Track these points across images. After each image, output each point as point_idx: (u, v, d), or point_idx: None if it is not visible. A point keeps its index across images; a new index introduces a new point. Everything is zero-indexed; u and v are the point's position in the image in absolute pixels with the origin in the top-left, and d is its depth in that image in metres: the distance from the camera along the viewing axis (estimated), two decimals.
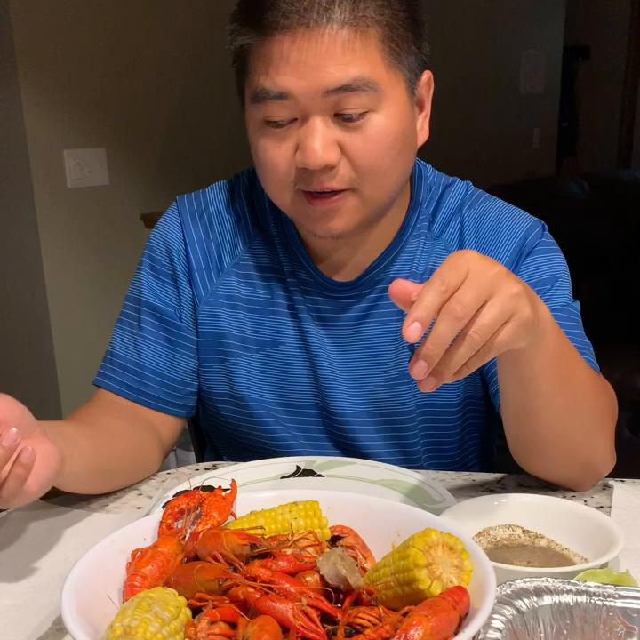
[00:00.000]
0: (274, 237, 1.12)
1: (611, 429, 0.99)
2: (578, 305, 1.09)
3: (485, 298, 0.72)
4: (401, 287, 0.72)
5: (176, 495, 0.91)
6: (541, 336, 0.82)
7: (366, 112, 0.93)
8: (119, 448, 1.03)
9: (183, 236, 1.13)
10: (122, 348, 1.13)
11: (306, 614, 0.61)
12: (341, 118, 0.93)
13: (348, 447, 1.13)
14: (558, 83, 5.15)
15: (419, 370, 0.71)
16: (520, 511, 0.88)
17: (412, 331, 0.69)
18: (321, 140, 0.92)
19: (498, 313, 0.73)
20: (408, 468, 1.06)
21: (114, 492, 1.05)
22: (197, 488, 0.85)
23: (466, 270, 0.72)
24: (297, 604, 0.61)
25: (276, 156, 0.96)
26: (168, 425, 1.14)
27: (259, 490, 0.94)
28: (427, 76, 1.01)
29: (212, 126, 3.26)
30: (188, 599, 0.65)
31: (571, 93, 5.53)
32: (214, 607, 0.63)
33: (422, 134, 1.03)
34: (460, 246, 1.09)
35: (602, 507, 0.95)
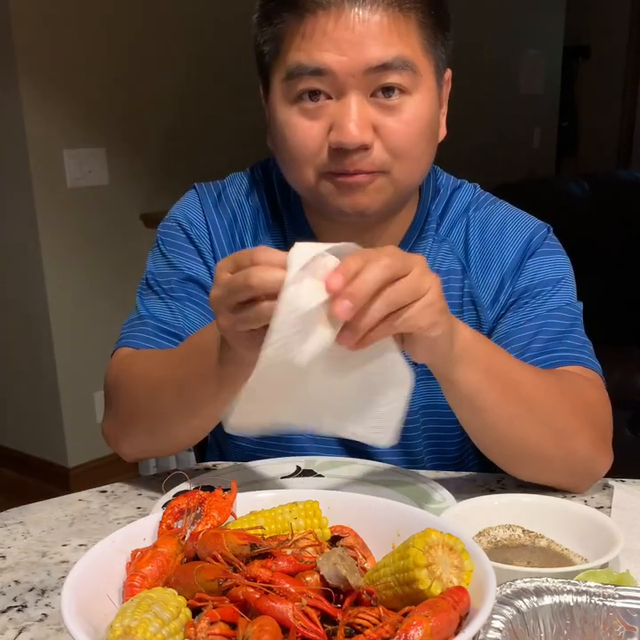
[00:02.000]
0: (286, 232, 1.12)
1: (592, 427, 0.98)
2: (580, 305, 1.09)
3: (402, 274, 0.74)
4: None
5: (176, 495, 0.91)
6: (462, 353, 0.86)
7: (403, 93, 0.94)
8: None
9: (206, 221, 1.12)
10: (156, 312, 1.08)
11: (306, 614, 0.61)
12: (379, 96, 0.94)
13: (351, 443, 1.12)
14: (558, 83, 5.16)
15: (341, 308, 0.70)
16: (520, 511, 0.88)
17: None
18: (357, 119, 0.93)
19: (410, 285, 0.74)
20: (410, 466, 1.06)
21: (113, 492, 1.05)
22: (197, 488, 0.85)
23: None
24: (297, 604, 0.61)
25: (307, 135, 0.96)
26: None
27: (259, 490, 0.94)
28: (448, 74, 1.03)
29: (212, 126, 3.26)
30: (187, 599, 0.65)
31: (571, 93, 5.53)
32: (214, 607, 0.63)
33: (442, 131, 1.04)
34: (465, 248, 1.10)
35: (602, 507, 0.95)
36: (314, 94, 0.94)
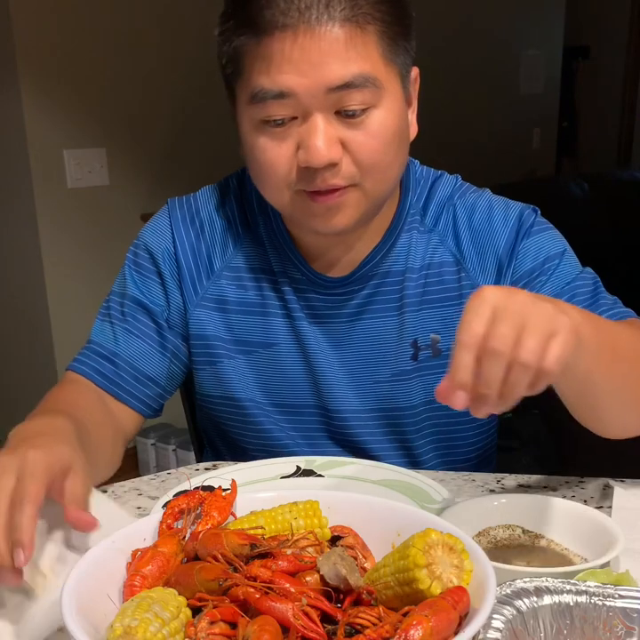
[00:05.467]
0: (263, 238, 1.12)
1: None
2: (590, 269, 1.09)
3: (520, 325, 0.70)
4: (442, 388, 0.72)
5: (176, 495, 0.91)
6: (579, 340, 0.79)
7: (367, 108, 0.94)
8: (97, 448, 1.01)
9: (174, 240, 1.12)
10: (101, 337, 1.13)
11: (306, 614, 0.61)
12: (343, 115, 0.93)
13: (348, 444, 1.13)
14: (558, 83, 5.15)
15: (469, 405, 0.71)
16: (520, 511, 0.88)
17: (457, 399, 0.70)
18: (324, 137, 0.92)
19: (539, 333, 0.70)
20: (410, 463, 1.06)
21: (113, 492, 1.05)
22: (197, 488, 0.85)
23: (490, 309, 0.70)
24: (297, 603, 0.61)
25: (276, 156, 0.96)
26: (132, 419, 1.14)
27: (259, 490, 0.94)
28: (415, 72, 1.02)
29: (212, 126, 3.26)
30: (188, 599, 0.65)
31: (571, 93, 5.53)
32: (214, 607, 0.63)
33: (412, 129, 1.04)
34: (456, 237, 1.09)
35: (602, 507, 0.95)
36: (280, 115, 0.94)
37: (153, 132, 3.18)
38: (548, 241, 1.08)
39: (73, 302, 3.05)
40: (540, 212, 1.11)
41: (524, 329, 0.70)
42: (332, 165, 0.94)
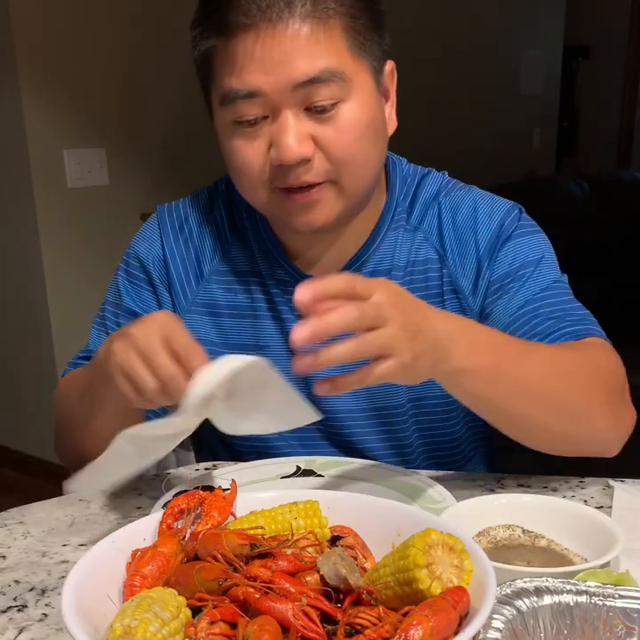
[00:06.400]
0: (251, 241, 1.12)
1: (607, 393, 0.96)
2: (565, 278, 1.08)
3: (380, 323, 0.74)
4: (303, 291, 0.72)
5: (176, 495, 0.91)
6: (460, 369, 0.83)
7: (337, 103, 0.94)
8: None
9: (163, 247, 1.13)
10: (98, 345, 1.12)
11: (306, 614, 0.61)
12: (313, 111, 0.94)
13: (343, 444, 1.12)
14: (558, 83, 5.15)
15: (299, 336, 0.71)
16: (520, 511, 0.88)
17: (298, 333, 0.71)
18: (294, 134, 0.93)
19: (383, 339, 0.74)
20: (402, 461, 1.06)
21: (114, 492, 1.05)
22: (197, 488, 0.85)
23: (375, 290, 0.74)
24: (297, 603, 0.61)
25: (249, 156, 0.97)
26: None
27: (259, 490, 0.94)
28: (390, 65, 1.02)
29: (212, 126, 3.26)
30: (187, 599, 0.65)
31: (571, 93, 5.53)
32: (214, 607, 0.63)
33: (391, 124, 1.04)
34: (440, 235, 1.08)
35: (602, 507, 0.95)
36: (250, 115, 0.94)
37: (153, 132, 3.18)
38: (527, 246, 1.07)
39: (73, 302, 3.05)
40: (524, 211, 1.10)
41: (378, 328, 0.74)
42: (305, 162, 0.94)
